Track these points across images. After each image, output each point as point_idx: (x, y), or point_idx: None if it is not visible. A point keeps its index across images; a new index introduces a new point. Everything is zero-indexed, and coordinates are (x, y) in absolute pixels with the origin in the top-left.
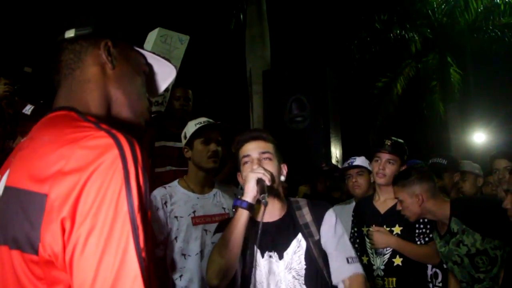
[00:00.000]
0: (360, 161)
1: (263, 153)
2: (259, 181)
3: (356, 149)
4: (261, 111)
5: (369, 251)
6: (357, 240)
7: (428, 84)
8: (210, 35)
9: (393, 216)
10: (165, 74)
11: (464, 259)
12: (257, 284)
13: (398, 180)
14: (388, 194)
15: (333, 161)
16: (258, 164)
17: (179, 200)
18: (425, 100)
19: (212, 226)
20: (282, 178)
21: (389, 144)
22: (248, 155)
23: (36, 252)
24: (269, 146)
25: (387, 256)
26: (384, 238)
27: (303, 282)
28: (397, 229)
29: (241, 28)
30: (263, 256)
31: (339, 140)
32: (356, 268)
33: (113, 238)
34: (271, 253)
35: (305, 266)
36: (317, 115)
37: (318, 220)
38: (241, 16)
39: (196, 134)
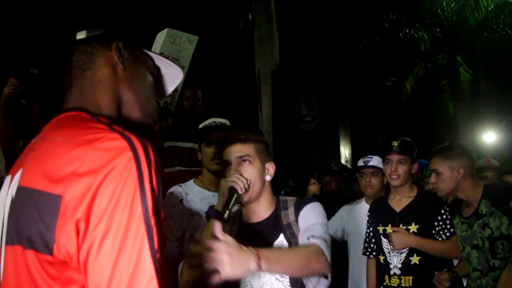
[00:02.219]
0: (375, 161)
1: (240, 157)
2: (232, 190)
3: (365, 149)
4: (269, 111)
5: (386, 250)
6: (373, 240)
7: (437, 83)
8: (219, 35)
9: (409, 215)
10: (172, 76)
11: (485, 243)
12: (242, 287)
13: (442, 151)
14: (403, 193)
15: (342, 161)
16: (235, 170)
17: (195, 197)
18: (434, 99)
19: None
20: (268, 177)
21: (396, 145)
22: (226, 160)
23: (51, 252)
24: (248, 148)
25: (404, 255)
26: (403, 238)
27: (288, 284)
28: (413, 228)
29: (250, 28)
30: None
31: (348, 140)
32: (313, 242)
33: (128, 240)
34: None
35: None
36: (326, 115)
37: (298, 217)
38: (250, 16)
39: (201, 137)
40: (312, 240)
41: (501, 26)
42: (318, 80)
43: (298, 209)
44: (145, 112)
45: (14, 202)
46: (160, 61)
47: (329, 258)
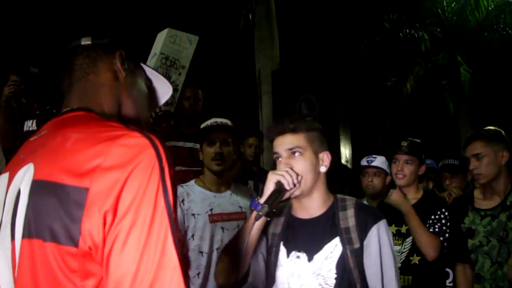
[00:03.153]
0: (379, 161)
1: (290, 149)
2: (278, 184)
3: (366, 149)
4: (270, 110)
5: None
6: None
7: (438, 83)
8: (219, 35)
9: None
10: (163, 91)
11: (510, 233)
12: (279, 284)
13: (484, 135)
14: (408, 193)
15: (343, 160)
16: (285, 163)
17: (196, 198)
18: (435, 99)
19: (229, 224)
20: (323, 168)
21: (405, 145)
22: (276, 153)
23: (76, 244)
24: (298, 139)
25: (404, 254)
26: (400, 197)
27: None
28: None
29: (250, 29)
30: (288, 256)
31: (348, 139)
32: None
33: (153, 232)
34: (299, 254)
35: (335, 275)
36: (327, 115)
37: (363, 229)
38: (250, 16)
39: (202, 137)
40: None
41: (502, 26)
42: (319, 80)
43: (360, 217)
44: (141, 118)
45: (30, 196)
46: (152, 75)
47: None
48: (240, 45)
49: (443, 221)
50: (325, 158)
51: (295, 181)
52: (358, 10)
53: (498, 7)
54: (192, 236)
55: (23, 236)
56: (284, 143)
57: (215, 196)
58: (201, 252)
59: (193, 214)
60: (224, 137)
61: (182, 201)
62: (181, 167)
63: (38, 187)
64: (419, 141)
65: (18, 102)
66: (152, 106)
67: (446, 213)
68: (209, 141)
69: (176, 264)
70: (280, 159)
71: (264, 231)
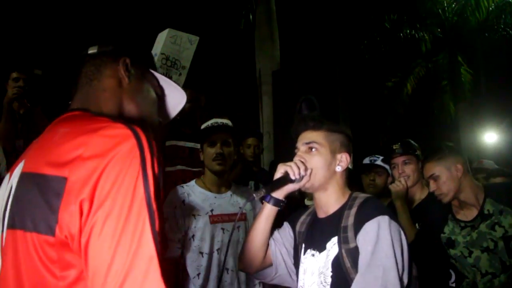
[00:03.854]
0: (382, 161)
1: (308, 143)
2: (285, 173)
3: (366, 149)
4: (270, 111)
5: None
6: None
7: (438, 83)
8: (220, 35)
9: (417, 216)
10: (176, 100)
11: (499, 243)
12: (300, 280)
13: (433, 155)
14: (414, 194)
15: None
16: (298, 156)
17: (196, 198)
18: (435, 100)
19: (229, 225)
20: (339, 168)
21: (398, 147)
22: (296, 147)
23: (53, 233)
24: (317, 136)
25: None
26: (402, 188)
27: None
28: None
29: (251, 29)
30: (304, 253)
31: None
32: None
33: (131, 221)
34: (314, 251)
35: (331, 274)
36: (327, 115)
37: (357, 226)
38: (251, 16)
39: (203, 137)
40: None
41: (502, 26)
42: (319, 80)
43: (360, 213)
44: (147, 123)
45: (17, 188)
46: (165, 83)
47: None
48: (240, 45)
49: None
50: (343, 159)
51: (302, 173)
52: (359, 11)
53: (499, 8)
54: (193, 236)
55: (8, 227)
56: (303, 138)
57: (215, 197)
58: (201, 253)
59: (193, 215)
60: (225, 138)
61: (183, 201)
62: (181, 167)
63: (24, 180)
64: (409, 140)
65: (22, 103)
66: (164, 114)
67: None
68: (210, 141)
69: (153, 254)
70: (297, 152)
71: (293, 230)
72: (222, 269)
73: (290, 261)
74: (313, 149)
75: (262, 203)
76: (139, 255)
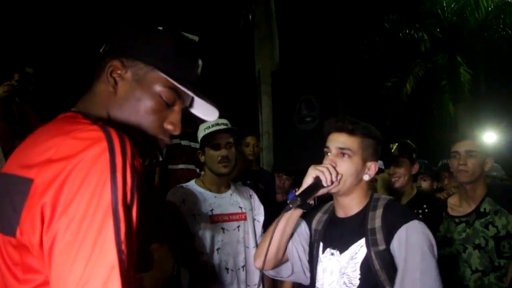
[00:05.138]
0: (379, 162)
1: (342, 148)
2: (316, 178)
3: None
4: (270, 111)
5: None
6: None
7: (437, 83)
8: (219, 35)
9: None
10: (203, 112)
11: (489, 242)
12: (318, 279)
13: (477, 138)
14: (403, 195)
15: None
16: (330, 160)
17: (196, 198)
18: (434, 99)
19: (230, 225)
20: (366, 177)
21: (394, 147)
22: (327, 147)
23: (14, 234)
24: (352, 141)
25: None
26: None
27: None
28: None
29: (250, 29)
30: (323, 252)
31: None
32: None
33: (93, 228)
34: (333, 251)
35: (359, 276)
36: (327, 115)
37: (388, 230)
38: (250, 16)
39: (206, 140)
40: None
41: (501, 26)
42: (318, 81)
43: (387, 218)
44: (136, 136)
45: None
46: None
47: None
48: (240, 45)
49: (420, 216)
50: (372, 168)
51: (334, 179)
52: (358, 11)
53: (498, 8)
54: (193, 236)
55: None
56: (337, 141)
57: (215, 197)
58: (202, 253)
59: (193, 215)
60: (228, 140)
61: (183, 201)
62: (184, 165)
63: (0, 180)
64: (407, 141)
65: (14, 101)
66: (189, 124)
67: (427, 210)
68: (214, 144)
69: (114, 264)
70: (328, 154)
71: (309, 227)
72: (222, 269)
73: (305, 259)
74: (346, 155)
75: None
76: (100, 264)
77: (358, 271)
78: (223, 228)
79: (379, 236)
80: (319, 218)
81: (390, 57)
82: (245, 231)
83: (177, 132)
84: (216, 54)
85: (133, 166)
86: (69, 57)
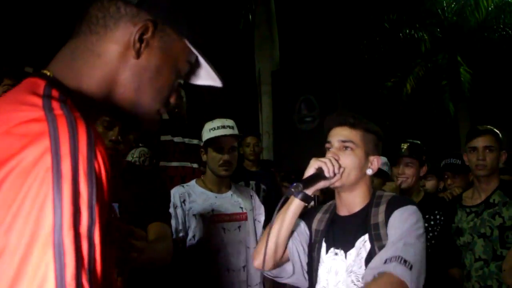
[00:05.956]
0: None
1: (344, 141)
2: (319, 169)
3: None
4: (270, 111)
5: None
6: None
7: (438, 83)
8: (219, 35)
9: None
10: (207, 75)
11: (494, 231)
12: (320, 280)
13: (494, 132)
14: (409, 196)
15: None
16: (332, 153)
17: (197, 198)
18: (435, 99)
19: (231, 225)
20: (369, 171)
21: (405, 147)
22: (329, 142)
23: None
24: (354, 135)
25: None
26: (394, 190)
27: None
28: None
29: (250, 29)
30: (327, 252)
31: None
32: (390, 268)
33: (27, 266)
34: (337, 250)
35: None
36: (326, 115)
37: (388, 220)
38: (250, 16)
39: (210, 141)
40: (388, 267)
41: (501, 26)
42: (319, 80)
43: (390, 208)
44: (138, 111)
45: None
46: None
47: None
48: (240, 45)
49: (432, 222)
50: (375, 162)
51: (336, 171)
52: (358, 11)
53: (498, 7)
54: (193, 236)
55: None
56: (339, 134)
57: (216, 197)
58: (203, 253)
59: (194, 215)
60: (232, 144)
61: (183, 201)
62: (177, 162)
63: None
64: (418, 142)
65: None
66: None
67: (438, 216)
68: (217, 146)
69: None
70: (330, 149)
71: (309, 227)
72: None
73: (305, 260)
74: (348, 148)
75: (287, 198)
76: None
77: (364, 268)
78: (224, 228)
79: (383, 231)
80: (320, 218)
81: (390, 57)
82: (246, 231)
83: (174, 104)
84: (216, 54)
85: (91, 169)
86: None
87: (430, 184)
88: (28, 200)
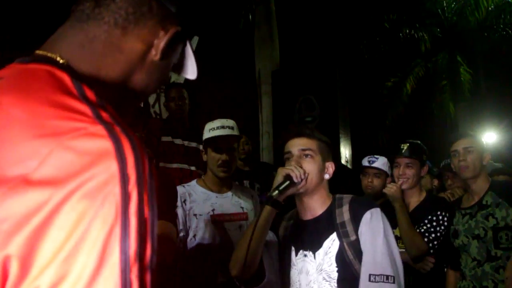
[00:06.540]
0: (380, 163)
1: (303, 150)
2: (287, 176)
3: (365, 149)
4: (270, 111)
5: None
6: None
7: (438, 83)
8: (219, 35)
9: (413, 219)
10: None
11: (488, 232)
12: (292, 282)
13: (472, 134)
14: (411, 196)
15: (342, 161)
16: (295, 161)
17: (198, 198)
18: (435, 99)
19: (231, 225)
20: (327, 176)
21: (405, 148)
22: (289, 152)
23: None
24: (311, 143)
25: None
26: (397, 192)
27: (336, 285)
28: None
29: (250, 29)
30: (296, 255)
31: (348, 140)
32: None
33: None
34: (306, 252)
35: (336, 269)
36: (327, 115)
37: (356, 220)
38: (250, 16)
39: (209, 141)
40: (374, 286)
41: (502, 26)
42: (318, 81)
43: (354, 209)
44: (140, 97)
45: None
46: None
47: None
48: (240, 45)
49: (434, 223)
50: (330, 168)
51: (302, 176)
52: (358, 10)
53: (498, 7)
54: (194, 236)
55: None
56: (298, 144)
57: (216, 197)
58: (203, 253)
59: (195, 215)
60: (231, 144)
61: (184, 201)
62: (178, 164)
63: None
64: (419, 142)
65: None
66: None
67: (441, 216)
68: (216, 147)
69: None
70: (291, 158)
71: (276, 235)
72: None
73: (276, 265)
74: (308, 156)
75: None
76: None
77: (334, 264)
78: (224, 228)
79: (349, 228)
80: (285, 225)
81: (390, 57)
82: None
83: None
84: (216, 54)
85: (153, 194)
86: None
87: (423, 182)
88: (94, 228)
